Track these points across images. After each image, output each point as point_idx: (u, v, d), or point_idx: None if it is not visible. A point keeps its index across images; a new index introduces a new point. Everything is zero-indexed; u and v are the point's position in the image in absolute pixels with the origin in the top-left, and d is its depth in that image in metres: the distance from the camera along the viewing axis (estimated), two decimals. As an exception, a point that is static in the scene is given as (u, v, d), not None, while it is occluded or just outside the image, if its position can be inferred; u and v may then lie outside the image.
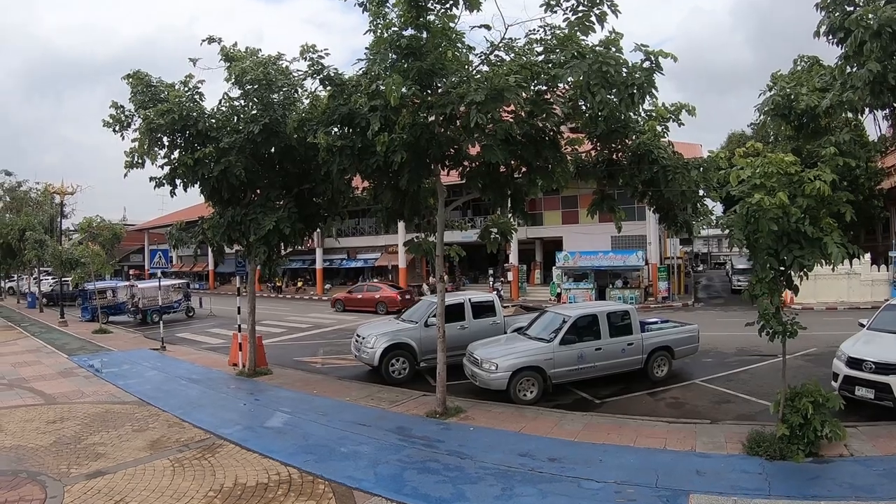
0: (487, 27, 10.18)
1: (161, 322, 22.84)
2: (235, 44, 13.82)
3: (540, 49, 10.32)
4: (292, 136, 13.04)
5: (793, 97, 11.90)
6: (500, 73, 9.34)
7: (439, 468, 8.70)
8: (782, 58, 53.93)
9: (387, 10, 10.22)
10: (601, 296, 33.95)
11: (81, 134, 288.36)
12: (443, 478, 8.33)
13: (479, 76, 10.04)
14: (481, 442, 9.80)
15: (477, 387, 12.89)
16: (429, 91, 10.60)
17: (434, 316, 13.32)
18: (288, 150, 13.95)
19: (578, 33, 9.77)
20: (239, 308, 17.46)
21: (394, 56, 10.24)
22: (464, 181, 12.21)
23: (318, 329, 26.68)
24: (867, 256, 28.18)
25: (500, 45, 10.45)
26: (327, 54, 11.71)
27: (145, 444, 10.03)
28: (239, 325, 17.09)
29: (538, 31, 10.38)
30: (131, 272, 60.24)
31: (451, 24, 10.11)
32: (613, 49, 9.59)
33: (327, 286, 49.13)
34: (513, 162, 11.48)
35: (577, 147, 12.43)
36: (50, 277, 46.33)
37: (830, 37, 10.15)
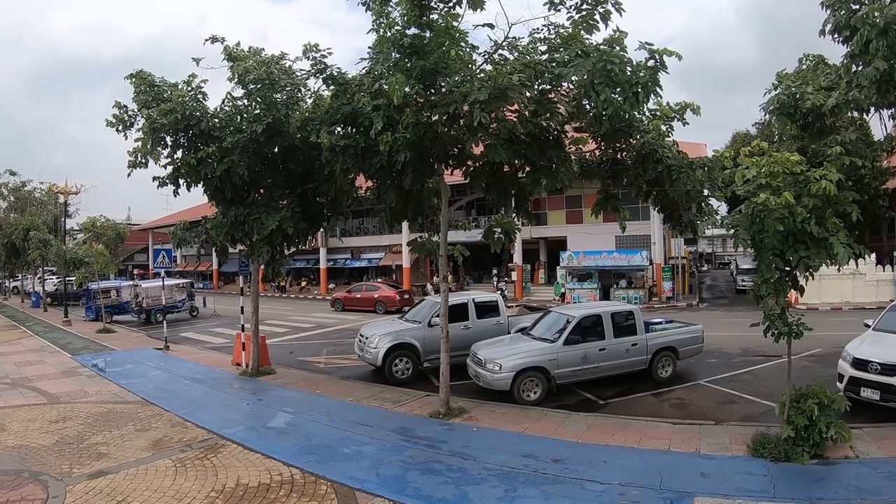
0: (491, 26, 10.14)
1: (165, 321, 22.83)
2: (238, 43, 13.82)
3: (544, 48, 10.28)
4: (295, 135, 13.03)
5: (798, 96, 11.81)
6: (503, 72, 9.29)
7: (442, 469, 8.66)
8: (787, 57, 53.90)
9: (390, 8, 10.18)
10: (605, 296, 33.91)
11: (88, 133, 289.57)
12: (446, 479, 8.30)
13: (482, 75, 10.00)
14: (484, 443, 9.76)
15: (480, 387, 12.86)
16: (432, 90, 10.55)
17: (437, 316, 13.27)
18: (291, 150, 13.95)
19: (582, 32, 9.71)
20: (242, 307, 17.46)
21: (397, 55, 10.19)
22: (467, 181, 12.15)
23: (322, 329, 26.66)
24: (872, 256, 28.07)
25: (504, 43, 10.41)
26: (330, 53, 11.67)
27: (148, 443, 10.02)
28: (242, 325, 17.07)
29: (542, 29, 10.35)
30: (135, 272, 60.51)
31: (455, 23, 10.04)
32: (618, 48, 9.52)
33: (331, 286, 49.14)
34: (517, 161, 11.42)
35: (581, 146, 12.40)
36: (54, 277, 46.42)
37: (836, 35, 10.07)
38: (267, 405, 12.59)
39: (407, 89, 9.65)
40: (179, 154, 13.83)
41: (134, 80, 13.62)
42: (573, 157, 12.15)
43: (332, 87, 11.69)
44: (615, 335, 13.31)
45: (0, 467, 8.86)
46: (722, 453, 8.95)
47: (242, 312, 17.32)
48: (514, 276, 39.70)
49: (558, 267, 37.31)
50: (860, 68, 9.83)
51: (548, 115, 10.52)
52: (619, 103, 9.70)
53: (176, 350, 20.32)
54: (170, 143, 13.72)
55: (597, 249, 35.53)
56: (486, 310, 16.25)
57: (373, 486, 8.03)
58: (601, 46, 9.54)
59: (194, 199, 79.81)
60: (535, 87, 10.17)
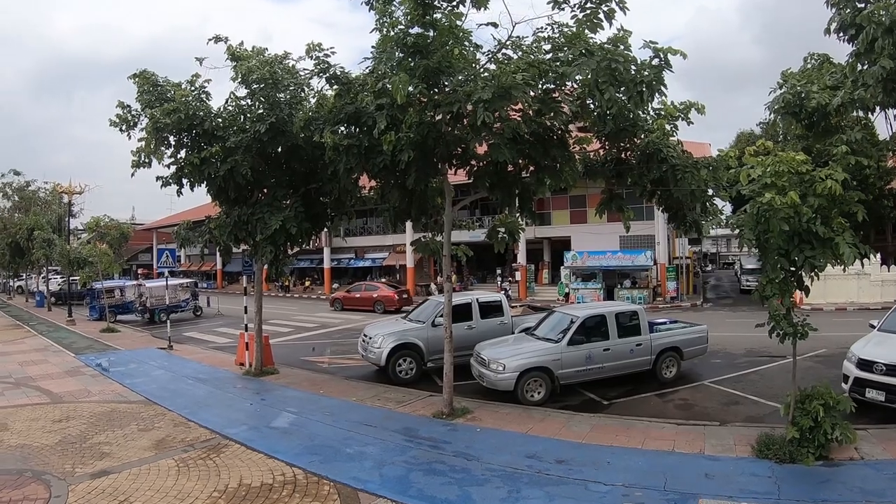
0: (495, 25, 10.11)
1: (168, 321, 22.85)
2: (242, 43, 13.80)
3: (548, 47, 10.27)
4: (299, 135, 13.04)
5: (803, 95, 11.76)
6: (507, 72, 9.27)
7: (445, 470, 8.64)
8: (791, 56, 53.93)
9: (393, 8, 10.16)
10: (609, 296, 33.82)
11: (92, 133, 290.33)
12: (449, 479, 8.27)
13: (486, 74, 9.98)
14: (488, 443, 9.73)
15: (484, 387, 12.83)
16: (435, 89, 10.53)
17: (441, 316, 13.25)
18: (294, 150, 13.93)
19: (587, 31, 9.70)
20: (246, 307, 17.45)
21: (400, 54, 10.16)
22: (471, 180, 12.14)
23: (325, 329, 26.66)
24: (877, 257, 27.98)
25: (508, 43, 10.39)
26: (333, 53, 11.68)
27: (151, 443, 10.01)
28: (246, 325, 17.07)
29: (546, 28, 10.33)
30: (140, 271, 60.51)
31: (458, 22, 10.02)
32: (622, 46, 9.50)
33: (335, 285, 49.09)
34: (520, 161, 11.40)
35: (585, 146, 12.36)
36: (58, 276, 46.52)
37: (841, 33, 10.02)
38: (270, 405, 12.58)
39: (410, 88, 9.63)
40: (183, 154, 13.82)
41: (137, 79, 13.62)
42: (577, 157, 12.11)
43: (335, 87, 11.69)
44: (619, 335, 13.27)
45: (3, 467, 8.86)
46: (726, 454, 8.91)
47: (246, 312, 17.32)
48: (517, 276, 39.66)
49: (562, 267, 37.24)
50: (866, 67, 9.78)
51: (552, 114, 10.49)
52: (623, 102, 9.69)
53: (179, 350, 20.32)
54: (173, 143, 13.72)
55: (601, 249, 35.44)
56: (490, 310, 16.23)
57: (376, 487, 8.01)
58: (605, 45, 9.53)
59: (198, 199, 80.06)
60: (539, 86, 10.14)
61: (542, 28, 10.37)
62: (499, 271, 40.73)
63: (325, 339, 23.05)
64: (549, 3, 9.91)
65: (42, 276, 42.84)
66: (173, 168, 13.92)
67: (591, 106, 10.48)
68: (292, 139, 13.43)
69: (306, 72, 13.54)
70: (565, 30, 10.00)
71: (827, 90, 11.59)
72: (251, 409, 12.39)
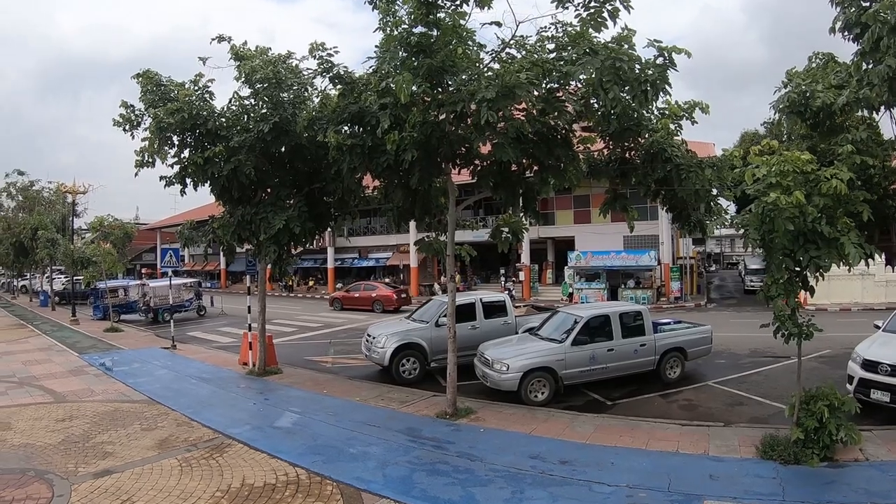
0: (498, 24, 10.07)
1: (172, 321, 22.86)
2: (245, 42, 13.79)
3: (552, 46, 10.21)
4: (302, 134, 13.02)
5: (808, 94, 11.70)
6: (511, 71, 9.25)
7: (449, 470, 8.62)
8: (795, 55, 53.74)
9: (396, 7, 10.14)
10: (613, 296, 33.84)
11: (96, 133, 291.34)
12: (452, 480, 8.25)
13: (489, 73, 9.95)
14: (491, 444, 9.71)
15: (488, 387, 12.81)
16: (439, 89, 10.50)
17: (445, 316, 13.23)
18: (298, 149, 13.92)
19: (591, 30, 9.65)
20: (249, 307, 17.45)
21: (404, 53, 10.13)
22: (475, 180, 12.12)
23: (329, 328, 26.66)
24: (882, 257, 27.89)
25: (511, 42, 10.34)
26: (336, 52, 11.66)
27: (153, 443, 10.01)
28: (249, 324, 17.07)
29: (550, 28, 10.27)
30: (143, 271, 60.57)
31: (462, 22, 10.00)
32: (626, 45, 9.46)
33: (339, 285, 49.08)
34: (524, 160, 11.37)
35: (589, 146, 12.31)
36: (62, 276, 46.60)
37: (846, 32, 9.95)
38: (273, 405, 12.57)
39: (414, 88, 9.61)
40: (186, 153, 13.82)
41: (141, 79, 13.62)
42: (581, 157, 12.08)
43: (338, 86, 11.68)
44: (623, 336, 13.24)
45: (6, 466, 8.86)
46: (731, 455, 8.88)
47: (249, 312, 17.32)
48: (521, 275, 39.62)
49: (566, 267, 37.22)
50: (871, 66, 9.72)
51: (556, 113, 10.47)
52: (627, 102, 9.66)
53: (183, 349, 20.35)
54: (177, 143, 13.71)
55: (605, 249, 35.44)
56: (494, 310, 16.19)
57: (379, 487, 7.99)
58: (609, 44, 9.49)
59: (202, 199, 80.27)
60: (543, 85, 10.09)
61: (545, 27, 10.33)
62: (502, 271, 40.70)
63: (330, 339, 23.04)
64: (552, 1, 9.86)
65: (46, 275, 42.91)
66: (177, 168, 13.92)
67: (596, 105, 10.45)
68: (296, 139, 13.42)
69: (310, 71, 13.54)
70: (569, 29, 9.95)
71: (832, 89, 11.52)
72: (254, 409, 12.38)
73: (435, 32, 9.98)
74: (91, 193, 40.26)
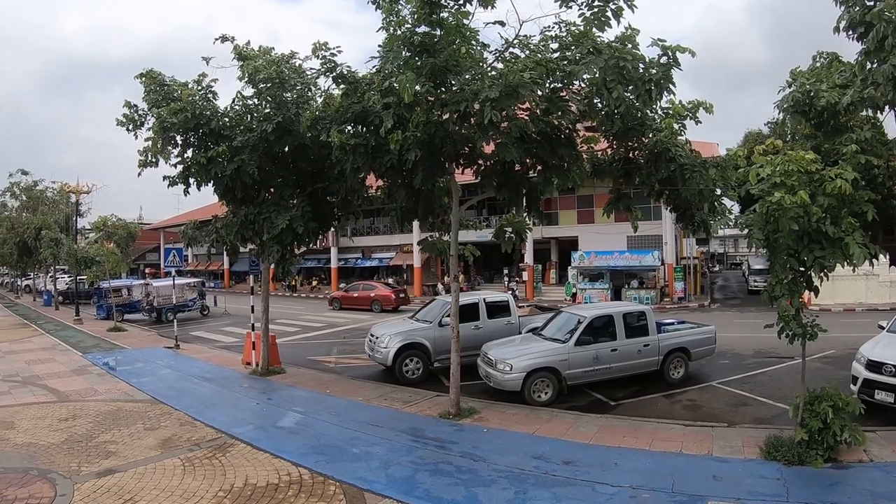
0: (502, 24, 10.06)
1: (175, 320, 22.88)
2: (248, 42, 13.81)
3: (555, 46, 10.20)
4: (305, 134, 13.03)
5: (812, 94, 11.67)
6: (514, 70, 9.22)
7: (452, 470, 8.61)
8: (799, 55, 53.64)
9: (400, 7, 10.12)
10: (617, 296, 33.77)
11: (99, 133, 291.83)
12: (455, 480, 8.24)
13: (493, 73, 9.94)
14: (495, 444, 9.70)
15: (491, 387, 12.80)
16: (442, 88, 10.49)
17: (448, 316, 13.22)
18: (301, 149, 13.92)
19: (594, 29, 9.63)
20: (253, 307, 17.46)
21: (407, 53, 10.12)
22: (478, 180, 12.10)
23: (332, 328, 26.68)
24: (886, 257, 27.79)
25: (515, 41, 10.33)
26: (340, 52, 11.63)
27: (156, 442, 10.01)
28: (252, 324, 17.08)
29: (553, 27, 10.26)
30: (147, 271, 60.76)
31: (465, 21, 9.97)
32: (630, 45, 9.44)
33: (342, 285, 49.14)
34: (528, 160, 11.35)
35: (592, 145, 12.29)
36: (66, 276, 46.67)
37: (850, 32, 9.92)
38: (276, 405, 12.57)
39: (417, 87, 9.62)
40: (189, 153, 13.83)
41: (144, 79, 13.64)
42: (585, 156, 12.05)
43: (342, 86, 11.66)
44: (627, 336, 13.22)
45: (9, 465, 8.87)
46: (735, 456, 8.86)
47: (253, 311, 17.34)
48: (525, 275, 39.60)
49: (569, 267, 37.20)
50: (875, 65, 9.69)
51: (559, 113, 10.44)
52: (631, 101, 9.64)
53: (186, 349, 20.38)
54: (180, 143, 13.74)
55: (608, 249, 35.40)
56: (497, 310, 16.18)
57: (382, 487, 7.98)
58: (613, 44, 9.47)
59: (205, 199, 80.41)
60: (547, 84, 10.08)
61: (549, 27, 10.32)
62: (506, 271, 40.71)
63: (333, 339, 23.07)
64: (556, 1, 9.86)
65: (50, 275, 42.98)
66: (180, 167, 13.93)
67: (599, 105, 10.44)
68: (299, 138, 13.42)
69: (313, 71, 13.54)
70: (573, 28, 9.94)
71: (836, 89, 11.48)
72: (257, 409, 12.39)
73: (438, 32, 9.96)
74: (94, 193, 40.35)
